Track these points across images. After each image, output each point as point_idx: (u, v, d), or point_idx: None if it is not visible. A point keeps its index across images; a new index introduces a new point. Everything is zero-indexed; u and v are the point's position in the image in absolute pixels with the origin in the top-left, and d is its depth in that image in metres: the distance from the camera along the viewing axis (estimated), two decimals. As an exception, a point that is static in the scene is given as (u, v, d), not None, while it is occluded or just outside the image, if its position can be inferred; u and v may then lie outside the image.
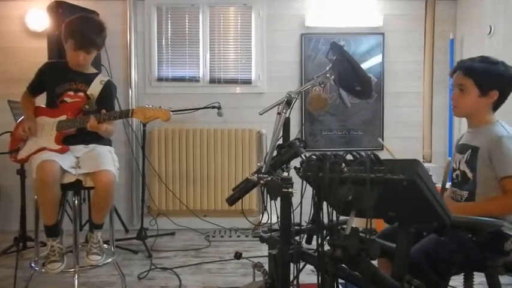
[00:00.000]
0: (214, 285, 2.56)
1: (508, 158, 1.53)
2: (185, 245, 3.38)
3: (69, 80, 2.26)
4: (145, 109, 2.14)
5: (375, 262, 1.17)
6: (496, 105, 1.69)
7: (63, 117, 2.22)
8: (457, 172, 1.74)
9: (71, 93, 2.25)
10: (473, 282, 1.72)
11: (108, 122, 2.22)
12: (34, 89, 2.37)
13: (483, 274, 1.61)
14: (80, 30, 2.19)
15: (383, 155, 1.07)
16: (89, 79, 2.29)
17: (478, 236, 1.51)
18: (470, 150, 1.68)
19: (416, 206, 1.09)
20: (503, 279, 1.71)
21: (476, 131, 1.71)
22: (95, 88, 2.27)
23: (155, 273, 2.74)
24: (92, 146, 2.25)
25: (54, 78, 2.28)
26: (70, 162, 2.13)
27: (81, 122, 2.17)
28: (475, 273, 1.70)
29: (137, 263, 2.95)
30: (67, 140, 2.22)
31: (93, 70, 2.38)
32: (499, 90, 1.64)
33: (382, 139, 3.89)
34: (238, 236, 3.58)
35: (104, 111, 2.18)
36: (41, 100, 2.39)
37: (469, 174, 1.66)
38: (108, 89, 2.33)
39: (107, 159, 2.17)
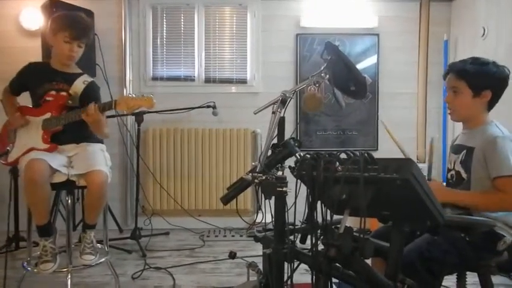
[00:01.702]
0: (208, 285, 2.56)
1: (501, 158, 1.54)
2: (179, 244, 3.37)
3: (50, 80, 2.22)
4: (128, 99, 2.10)
5: (368, 261, 1.18)
6: (490, 105, 1.70)
7: (48, 115, 2.19)
8: (452, 172, 1.75)
9: (53, 92, 2.21)
10: (466, 282, 1.73)
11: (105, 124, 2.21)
12: (15, 88, 2.34)
13: (476, 274, 1.62)
14: (76, 21, 2.19)
15: (377, 155, 1.07)
16: (71, 79, 2.25)
17: (471, 235, 1.52)
18: (465, 151, 1.69)
19: (410, 205, 1.09)
20: (496, 279, 1.72)
21: (472, 132, 1.72)
22: (77, 87, 2.24)
23: (149, 273, 2.73)
24: (83, 144, 2.23)
25: (35, 79, 2.24)
26: (60, 161, 2.11)
27: (66, 119, 2.15)
28: (468, 273, 1.71)
29: (131, 262, 2.94)
30: (56, 138, 2.19)
31: (77, 70, 2.33)
32: (492, 89, 1.65)
33: (377, 139, 3.91)
34: (233, 236, 3.58)
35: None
36: (23, 100, 2.36)
37: (464, 175, 1.67)
38: (92, 89, 2.29)
39: (99, 159, 2.15)
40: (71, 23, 2.18)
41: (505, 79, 1.66)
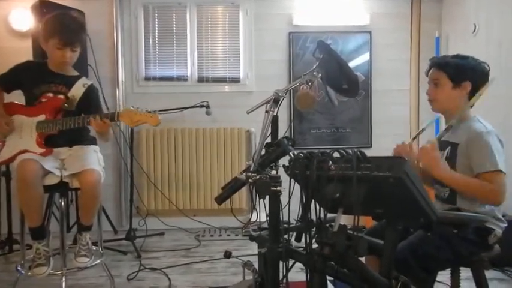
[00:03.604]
0: (204, 284, 2.56)
1: (486, 153, 1.56)
2: (175, 245, 3.36)
3: (48, 81, 2.17)
4: (132, 112, 2.02)
5: (362, 259, 1.18)
6: (471, 99, 1.72)
7: (42, 117, 2.14)
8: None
9: (50, 95, 2.16)
10: (460, 278, 1.75)
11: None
12: (6, 83, 2.24)
13: (469, 269, 1.63)
14: (64, 26, 2.11)
15: (371, 152, 1.08)
16: (70, 82, 2.20)
17: (463, 231, 1.54)
18: (450, 147, 1.71)
19: (403, 202, 1.10)
20: (489, 273, 1.74)
21: (455, 128, 1.74)
22: (76, 91, 2.19)
23: (144, 274, 2.72)
24: (75, 147, 2.21)
25: (31, 79, 2.18)
26: (53, 163, 2.09)
27: (63, 124, 2.10)
28: (461, 268, 1.72)
29: (126, 264, 2.93)
30: (49, 141, 2.15)
31: (74, 72, 2.28)
32: (471, 81, 1.69)
33: (371, 137, 3.92)
34: (228, 235, 3.58)
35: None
36: (13, 98, 2.30)
37: (450, 171, 1.69)
38: (93, 93, 2.25)
39: (91, 159, 2.14)
40: (60, 28, 2.10)
41: (484, 72, 1.70)
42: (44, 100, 2.16)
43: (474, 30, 3.32)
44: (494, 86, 1.75)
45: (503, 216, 1.64)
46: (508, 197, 1.57)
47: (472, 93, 1.70)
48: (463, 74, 1.69)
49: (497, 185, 1.54)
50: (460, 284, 1.75)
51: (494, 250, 1.62)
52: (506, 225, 1.63)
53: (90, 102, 2.21)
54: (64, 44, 2.10)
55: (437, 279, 1.71)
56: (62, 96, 2.18)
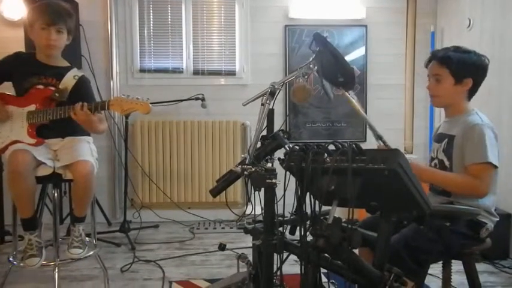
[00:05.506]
0: (198, 277, 2.56)
1: (477, 145, 1.57)
2: (169, 237, 3.36)
3: (38, 73, 2.12)
4: (122, 101, 2.00)
5: (356, 251, 1.19)
6: (470, 94, 1.73)
7: (32, 108, 2.10)
8: (435, 161, 1.78)
9: (41, 87, 2.12)
10: (451, 270, 1.77)
11: (100, 121, 2.15)
12: None
13: (461, 262, 1.65)
14: (48, 7, 2.07)
15: (365, 146, 1.08)
16: (60, 73, 2.16)
17: (455, 224, 1.56)
18: (447, 139, 1.72)
19: (397, 195, 1.10)
20: (480, 266, 1.77)
21: (453, 120, 1.75)
22: (67, 82, 2.14)
23: (138, 266, 2.72)
24: (68, 138, 2.18)
25: (21, 72, 2.14)
26: (46, 154, 2.07)
27: (53, 114, 2.07)
28: (453, 261, 1.74)
29: (120, 255, 2.92)
30: (41, 132, 2.12)
31: (65, 63, 2.23)
32: (473, 77, 1.69)
33: (365, 131, 3.93)
34: (223, 228, 3.59)
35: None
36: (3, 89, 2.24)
37: (447, 163, 1.70)
38: (84, 84, 2.21)
39: (84, 150, 2.12)
40: (44, 9, 2.06)
41: (485, 68, 1.70)
42: (34, 91, 2.13)
43: (469, 25, 3.33)
44: (488, 80, 1.76)
45: (495, 210, 1.66)
46: (500, 192, 1.59)
47: (473, 89, 1.71)
48: (466, 71, 1.67)
49: (481, 179, 1.55)
50: (452, 277, 1.77)
51: (485, 243, 1.64)
52: (498, 219, 1.65)
53: (82, 94, 2.16)
54: (49, 22, 2.04)
55: (429, 271, 1.72)
56: (52, 88, 2.14)
